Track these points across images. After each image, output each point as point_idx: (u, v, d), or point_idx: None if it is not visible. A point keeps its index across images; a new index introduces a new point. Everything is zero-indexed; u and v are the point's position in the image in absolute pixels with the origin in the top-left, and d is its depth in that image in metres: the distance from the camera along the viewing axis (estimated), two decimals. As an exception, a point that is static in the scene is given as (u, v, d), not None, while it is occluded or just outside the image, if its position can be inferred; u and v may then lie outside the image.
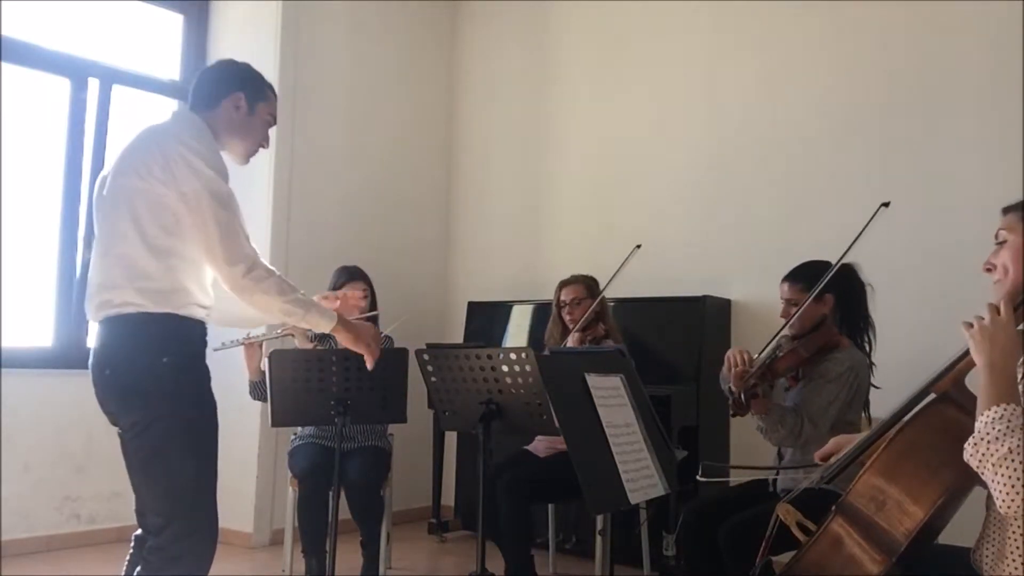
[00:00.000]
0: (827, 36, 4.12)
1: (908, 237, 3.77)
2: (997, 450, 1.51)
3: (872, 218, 2.60)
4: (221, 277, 2.14)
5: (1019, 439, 1.50)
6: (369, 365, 2.35)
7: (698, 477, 2.24)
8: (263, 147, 2.39)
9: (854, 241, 2.65)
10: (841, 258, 2.69)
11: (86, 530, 4.17)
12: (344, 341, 2.31)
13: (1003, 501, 1.51)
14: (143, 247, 2.06)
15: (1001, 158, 3.55)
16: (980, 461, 1.54)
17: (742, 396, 2.63)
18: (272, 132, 2.40)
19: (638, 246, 3.55)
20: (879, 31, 3.96)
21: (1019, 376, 1.66)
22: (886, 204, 2.58)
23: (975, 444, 1.56)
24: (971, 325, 1.65)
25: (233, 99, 2.28)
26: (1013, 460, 1.49)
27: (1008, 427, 1.52)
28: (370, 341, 2.32)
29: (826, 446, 2.07)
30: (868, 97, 3.97)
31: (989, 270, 1.80)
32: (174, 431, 2.05)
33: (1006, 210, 1.81)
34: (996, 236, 1.80)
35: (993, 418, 1.55)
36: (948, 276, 3.62)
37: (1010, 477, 1.49)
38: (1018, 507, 1.49)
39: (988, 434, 1.54)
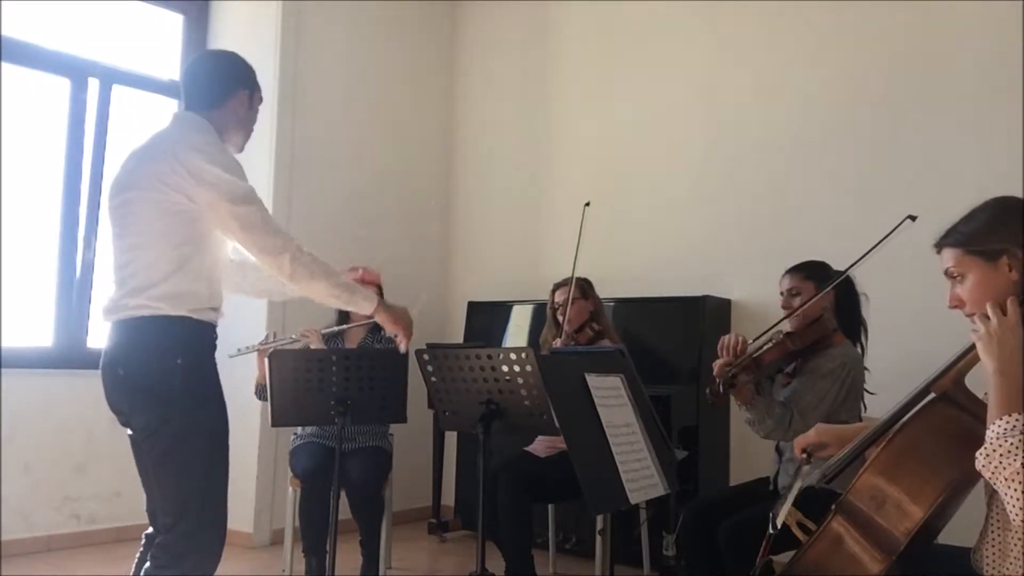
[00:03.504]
0: (826, 36, 4.11)
1: (905, 236, 3.76)
2: (1010, 464, 1.52)
3: (895, 229, 2.50)
4: (272, 270, 2.21)
5: None
6: (402, 348, 2.48)
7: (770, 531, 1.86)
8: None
9: (873, 247, 2.55)
10: (856, 263, 2.64)
11: (86, 530, 4.16)
12: (383, 322, 2.42)
13: (1016, 515, 1.51)
14: (162, 257, 2.10)
15: (1000, 157, 3.55)
16: (993, 473, 1.55)
17: (720, 385, 2.64)
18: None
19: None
20: (878, 30, 3.96)
21: None
22: (912, 217, 2.48)
23: (987, 455, 1.56)
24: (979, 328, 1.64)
25: (240, 98, 2.32)
26: None
27: (1022, 440, 1.52)
28: (407, 325, 2.45)
29: (808, 434, 1.97)
30: (866, 97, 3.97)
31: (956, 307, 1.80)
32: (186, 432, 2.07)
33: (938, 246, 1.85)
34: (945, 273, 1.81)
35: (1005, 429, 1.55)
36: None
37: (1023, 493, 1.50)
38: None
39: (1001, 447, 1.54)
